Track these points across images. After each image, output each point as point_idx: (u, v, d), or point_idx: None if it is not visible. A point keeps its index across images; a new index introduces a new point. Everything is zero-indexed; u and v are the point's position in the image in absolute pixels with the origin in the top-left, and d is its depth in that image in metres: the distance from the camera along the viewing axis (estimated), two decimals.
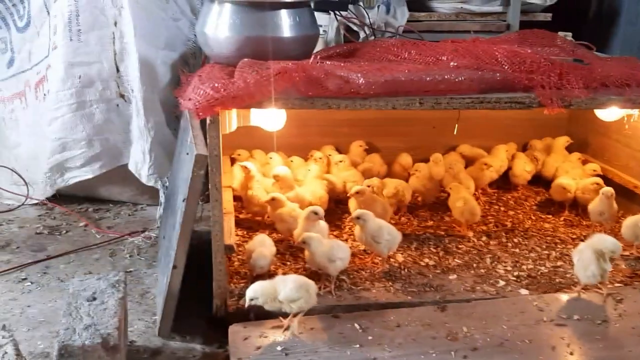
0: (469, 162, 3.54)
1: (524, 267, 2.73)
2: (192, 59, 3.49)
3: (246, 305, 2.17)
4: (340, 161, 3.39)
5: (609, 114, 3.08)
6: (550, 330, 2.23)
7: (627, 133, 3.23)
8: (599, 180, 3.17)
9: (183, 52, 3.43)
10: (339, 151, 3.58)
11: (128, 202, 3.57)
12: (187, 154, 2.34)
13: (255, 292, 2.16)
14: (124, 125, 3.34)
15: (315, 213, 2.66)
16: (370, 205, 2.83)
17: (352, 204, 3.00)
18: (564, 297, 2.45)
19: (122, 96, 3.31)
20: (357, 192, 2.92)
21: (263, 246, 2.55)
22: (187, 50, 3.46)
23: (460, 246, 2.92)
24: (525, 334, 2.20)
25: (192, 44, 3.45)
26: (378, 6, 3.65)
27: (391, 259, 2.76)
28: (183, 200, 2.24)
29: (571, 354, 2.09)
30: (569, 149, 3.58)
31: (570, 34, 3.26)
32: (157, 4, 3.28)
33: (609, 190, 2.93)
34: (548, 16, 3.91)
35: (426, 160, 3.44)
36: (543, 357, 2.07)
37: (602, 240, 2.44)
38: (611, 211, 2.95)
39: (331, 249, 2.49)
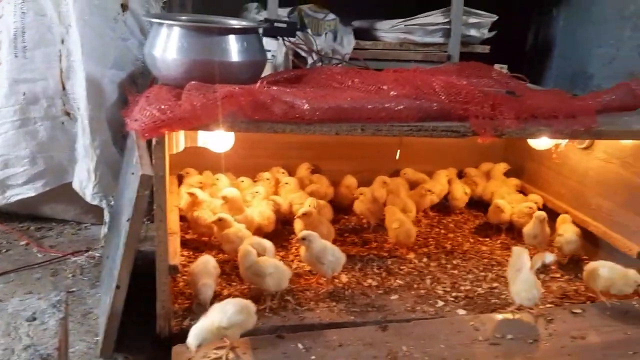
0: (412, 185, 3.67)
1: (462, 288, 2.84)
2: (140, 79, 3.49)
3: (194, 351, 2.15)
4: (287, 183, 3.45)
5: (540, 142, 3.27)
6: (485, 349, 2.32)
7: (558, 161, 3.42)
8: (533, 204, 3.34)
9: (131, 71, 3.43)
10: (289, 173, 3.64)
11: (72, 221, 3.52)
12: (133, 173, 2.35)
13: (198, 337, 2.13)
14: (70, 143, 3.31)
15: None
16: (315, 227, 2.90)
17: (297, 225, 3.05)
18: (498, 317, 2.56)
19: (67, 114, 3.28)
20: (303, 214, 2.99)
21: (207, 274, 2.55)
22: (136, 69, 3.47)
23: (402, 267, 3.01)
24: (461, 352, 2.29)
25: (141, 63, 3.45)
26: (325, 33, 3.77)
27: (335, 280, 2.82)
28: (127, 220, 2.24)
29: None
30: (507, 175, 3.76)
31: (505, 66, 3.44)
32: (106, 23, 3.28)
33: (542, 214, 3.09)
34: (486, 48, 4.12)
35: (371, 183, 3.55)
36: None
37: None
38: (544, 234, 3.10)
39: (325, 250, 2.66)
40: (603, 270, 2.65)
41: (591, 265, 2.73)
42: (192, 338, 2.14)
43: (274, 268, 2.56)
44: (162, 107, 2.20)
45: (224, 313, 2.20)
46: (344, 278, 2.86)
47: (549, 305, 2.69)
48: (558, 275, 3.01)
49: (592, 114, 2.57)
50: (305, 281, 2.82)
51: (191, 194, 3.08)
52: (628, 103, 2.93)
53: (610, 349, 2.35)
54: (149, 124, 2.17)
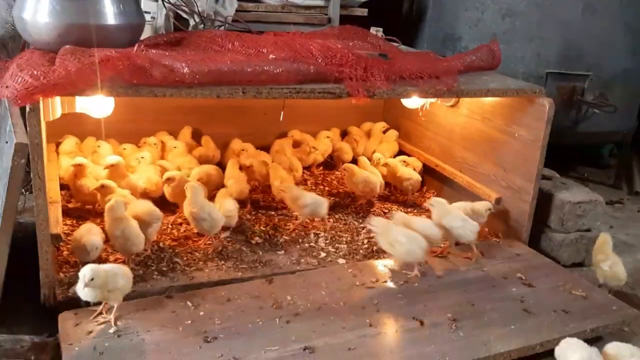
0: (298, 145, 3.80)
1: (343, 239, 3.04)
2: (11, 43, 3.31)
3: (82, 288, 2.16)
4: (175, 147, 3.46)
5: (412, 102, 3.50)
6: (362, 293, 2.54)
7: (428, 119, 3.69)
8: (405, 157, 3.62)
9: (0, 35, 3.24)
10: (175, 137, 3.63)
11: None
12: (7, 142, 2.28)
13: (94, 272, 2.15)
14: None
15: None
16: (182, 191, 2.90)
17: (166, 190, 3.11)
18: (374, 263, 2.79)
19: None
20: (167, 179, 3.05)
21: (91, 234, 2.55)
22: (5, 33, 3.28)
23: (288, 224, 3.16)
24: (340, 297, 2.49)
25: (11, 27, 3.27)
26: None
27: (222, 239, 2.91)
28: (4, 190, 2.19)
29: (377, 311, 2.41)
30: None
31: (381, 29, 3.61)
32: None
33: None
34: (364, 11, 4.28)
35: (258, 146, 3.65)
36: (354, 316, 2.37)
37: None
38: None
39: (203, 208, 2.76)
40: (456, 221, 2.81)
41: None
42: (88, 270, 2.15)
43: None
44: (35, 72, 2.15)
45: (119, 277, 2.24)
46: (231, 238, 2.95)
47: None
48: None
49: (454, 74, 2.82)
50: (193, 243, 2.89)
51: (77, 165, 3.02)
52: (488, 63, 3.23)
53: (469, 285, 2.65)
54: (21, 90, 2.11)
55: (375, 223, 2.70)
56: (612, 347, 2.20)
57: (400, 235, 2.62)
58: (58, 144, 3.37)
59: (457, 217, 2.79)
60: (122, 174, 3.07)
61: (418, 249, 2.61)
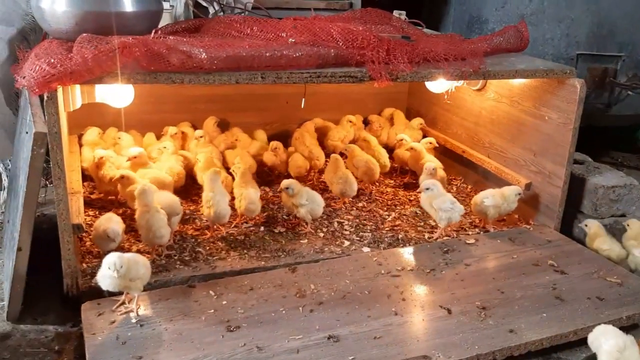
0: (321, 133, 3.74)
1: (367, 227, 2.98)
2: (32, 35, 3.33)
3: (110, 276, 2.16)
4: (201, 136, 3.42)
5: (437, 86, 3.41)
6: (387, 281, 2.47)
7: (454, 104, 3.59)
8: (432, 139, 3.53)
9: (21, 27, 3.25)
10: (195, 127, 3.61)
11: None
12: (27, 132, 2.27)
13: (122, 260, 2.14)
14: None
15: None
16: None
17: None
18: (400, 251, 2.72)
19: None
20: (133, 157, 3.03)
21: (111, 222, 2.54)
22: (26, 25, 3.29)
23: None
24: (365, 286, 2.43)
25: (32, 18, 3.28)
26: None
27: (245, 228, 2.88)
28: (25, 180, 2.18)
29: (403, 299, 2.35)
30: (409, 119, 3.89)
31: (404, 12, 3.52)
32: None
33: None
34: None
35: (281, 134, 3.59)
36: (379, 305, 2.31)
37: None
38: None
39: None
40: (487, 200, 2.91)
41: (476, 198, 2.97)
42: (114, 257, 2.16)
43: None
44: (52, 60, 2.13)
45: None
46: (255, 227, 2.91)
47: (446, 238, 2.89)
48: None
49: (480, 56, 2.72)
50: (216, 232, 2.86)
51: (100, 158, 3.01)
52: (515, 45, 3.12)
53: (499, 273, 2.57)
54: (38, 79, 2.10)
55: (430, 185, 2.83)
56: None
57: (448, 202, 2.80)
58: (81, 136, 3.37)
59: (447, 200, 2.82)
60: (144, 164, 3.05)
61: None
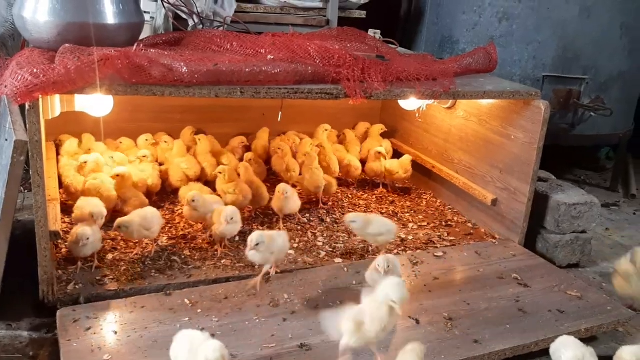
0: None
1: (340, 239, 3.06)
2: (10, 42, 3.34)
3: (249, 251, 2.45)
4: (144, 156, 3.38)
5: (410, 103, 3.53)
6: (359, 292, 2.52)
7: (425, 121, 3.71)
8: (381, 148, 3.67)
9: (0, 33, 3.26)
10: (173, 137, 3.65)
11: None
12: (7, 140, 2.30)
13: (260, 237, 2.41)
14: None
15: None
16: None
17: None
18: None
19: None
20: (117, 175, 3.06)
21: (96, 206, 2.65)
22: (5, 31, 3.30)
23: (285, 223, 3.17)
24: (337, 296, 2.51)
25: (11, 25, 3.30)
26: None
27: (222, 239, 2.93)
28: (3, 187, 2.21)
29: None
30: (383, 136, 4.00)
31: (379, 31, 3.64)
32: None
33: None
34: (363, 14, 4.31)
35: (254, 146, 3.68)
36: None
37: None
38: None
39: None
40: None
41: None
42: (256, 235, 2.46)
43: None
44: (35, 70, 2.16)
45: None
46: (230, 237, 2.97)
47: (418, 250, 2.98)
48: (425, 223, 3.32)
49: (451, 76, 2.84)
50: (193, 242, 2.90)
51: (118, 175, 3.04)
52: (485, 66, 3.26)
53: (465, 285, 2.67)
54: (21, 88, 2.13)
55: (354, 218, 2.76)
56: (629, 352, 2.14)
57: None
58: (58, 143, 3.38)
59: (380, 225, 2.79)
60: (128, 185, 3.08)
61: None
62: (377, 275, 2.38)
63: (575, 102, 4.02)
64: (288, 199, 3.02)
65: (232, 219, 2.73)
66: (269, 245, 2.46)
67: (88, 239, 2.51)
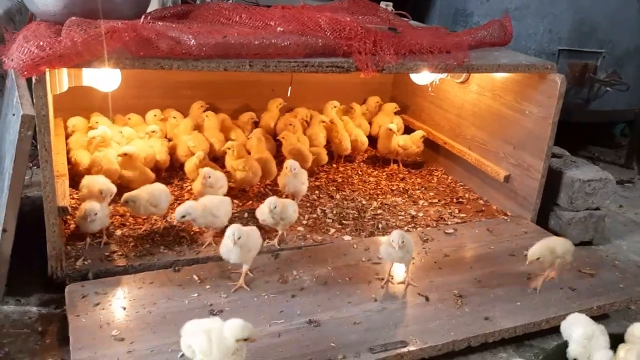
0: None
1: (349, 216, 3.03)
2: (17, 16, 3.31)
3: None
4: (153, 131, 3.35)
5: (422, 78, 3.46)
6: (368, 268, 2.53)
7: (438, 96, 3.65)
8: (392, 125, 3.60)
9: (7, 8, 3.23)
10: (182, 112, 3.61)
11: None
12: (14, 114, 2.28)
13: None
14: None
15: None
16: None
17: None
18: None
19: None
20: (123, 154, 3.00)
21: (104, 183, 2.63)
22: (12, 6, 3.27)
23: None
24: (346, 273, 2.49)
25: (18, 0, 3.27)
26: None
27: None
28: (11, 163, 2.19)
29: (382, 287, 2.41)
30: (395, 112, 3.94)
31: (391, 4, 3.55)
32: None
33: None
34: None
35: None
36: (360, 291, 2.37)
37: None
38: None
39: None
40: None
41: None
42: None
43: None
44: (41, 43, 2.13)
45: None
46: (239, 214, 2.95)
47: (427, 228, 2.95)
48: (435, 200, 3.28)
49: (464, 49, 2.77)
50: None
51: (126, 154, 2.99)
52: (499, 39, 3.17)
53: (476, 262, 2.64)
54: (27, 61, 2.10)
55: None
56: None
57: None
58: (66, 120, 3.36)
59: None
60: (134, 165, 3.04)
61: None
62: (391, 250, 2.35)
63: (591, 76, 3.94)
64: (296, 176, 2.96)
65: (239, 238, 2.30)
66: (246, 242, 2.30)
67: (96, 214, 2.50)
